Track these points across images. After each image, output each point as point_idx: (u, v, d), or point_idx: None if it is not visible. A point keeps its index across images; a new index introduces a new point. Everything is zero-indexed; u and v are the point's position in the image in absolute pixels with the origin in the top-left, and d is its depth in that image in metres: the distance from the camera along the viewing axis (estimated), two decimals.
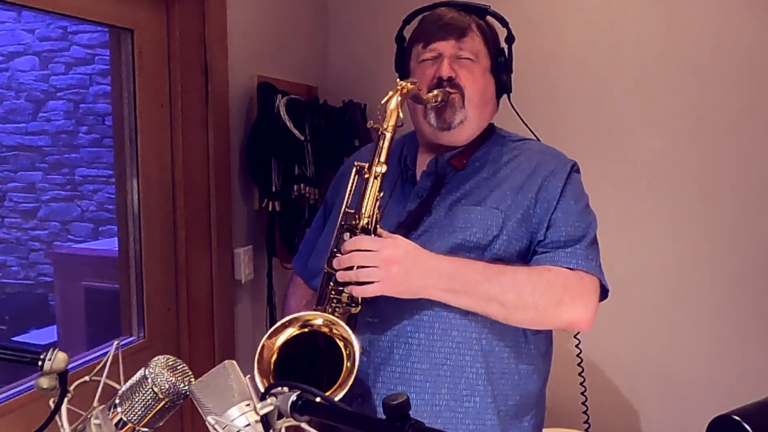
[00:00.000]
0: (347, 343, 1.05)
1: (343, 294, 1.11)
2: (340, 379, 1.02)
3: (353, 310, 1.11)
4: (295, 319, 1.08)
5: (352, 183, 1.15)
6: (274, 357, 1.04)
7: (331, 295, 1.12)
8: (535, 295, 1.13)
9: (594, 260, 1.21)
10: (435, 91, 1.20)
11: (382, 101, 1.12)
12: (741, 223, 2.12)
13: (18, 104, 4.19)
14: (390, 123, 1.11)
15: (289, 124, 1.93)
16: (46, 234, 4.25)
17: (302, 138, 1.96)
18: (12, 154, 4.21)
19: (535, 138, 1.38)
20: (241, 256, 1.93)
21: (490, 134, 1.32)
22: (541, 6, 2.28)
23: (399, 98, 1.12)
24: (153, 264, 1.70)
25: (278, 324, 1.07)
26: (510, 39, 1.32)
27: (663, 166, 2.18)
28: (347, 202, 1.14)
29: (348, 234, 1.10)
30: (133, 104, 1.64)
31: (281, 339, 1.06)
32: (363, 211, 1.10)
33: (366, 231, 1.10)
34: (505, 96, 1.35)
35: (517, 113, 1.37)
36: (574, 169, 1.28)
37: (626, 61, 2.20)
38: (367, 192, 1.11)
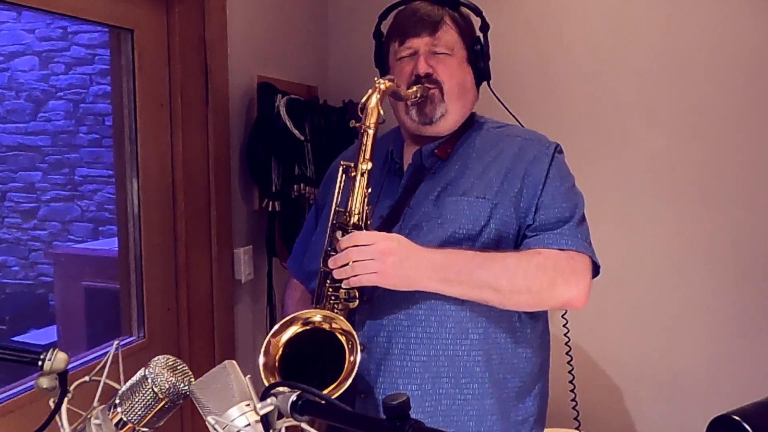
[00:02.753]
0: (349, 336, 1.07)
1: (341, 290, 1.14)
2: (343, 372, 1.04)
3: (351, 305, 1.14)
4: (296, 318, 1.10)
5: (340, 182, 1.17)
6: (279, 353, 1.07)
7: (329, 293, 1.14)
8: (527, 279, 1.15)
9: (583, 238, 1.23)
10: (414, 88, 1.23)
11: (362, 100, 1.15)
12: (740, 222, 2.12)
13: (18, 104, 4.19)
14: (371, 120, 1.14)
15: (289, 124, 1.93)
16: (46, 234, 4.25)
17: (302, 138, 1.96)
18: (12, 154, 4.21)
19: (517, 123, 1.39)
20: (241, 256, 1.93)
21: (471, 122, 1.34)
22: (541, 6, 2.28)
23: (378, 96, 1.15)
24: (153, 264, 1.70)
25: (280, 323, 1.09)
26: (484, 27, 1.33)
27: (663, 165, 2.18)
28: (337, 201, 1.16)
29: (340, 232, 1.13)
30: (133, 104, 1.64)
31: (285, 337, 1.08)
32: (353, 208, 1.13)
33: (358, 227, 1.13)
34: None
35: (498, 99, 1.38)
36: (557, 150, 1.30)
37: (626, 61, 2.20)
38: (355, 189, 1.14)
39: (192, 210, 1.77)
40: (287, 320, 1.09)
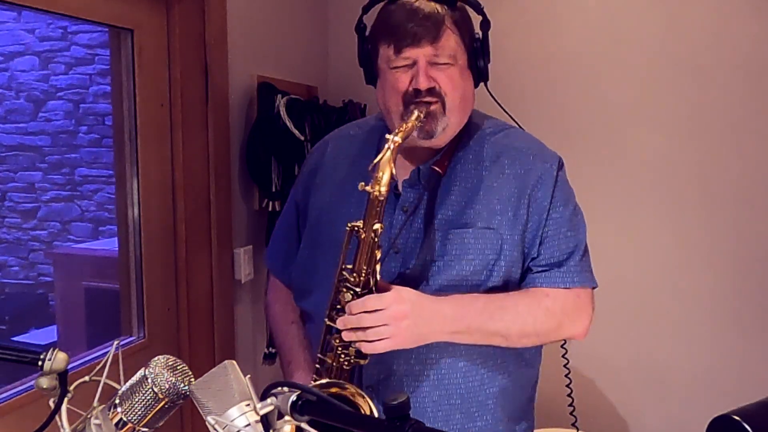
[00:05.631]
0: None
1: (351, 348, 1.10)
2: None
3: (362, 362, 1.11)
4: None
5: (346, 241, 1.10)
6: None
7: (339, 351, 1.11)
8: (536, 324, 1.16)
9: (587, 269, 1.22)
10: (415, 113, 1.12)
11: (375, 160, 1.07)
12: (740, 222, 2.12)
13: (18, 104, 4.19)
14: (384, 183, 1.06)
15: (289, 124, 1.93)
16: (46, 234, 4.25)
17: (302, 138, 1.96)
18: (12, 154, 4.21)
19: (515, 124, 1.32)
20: (241, 256, 1.93)
21: (468, 127, 1.25)
22: (541, 6, 2.28)
23: (392, 153, 1.06)
24: (153, 264, 1.70)
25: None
26: (485, 25, 1.21)
27: (662, 165, 2.19)
28: (343, 260, 1.11)
29: (349, 294, 1.08)
30: (133, 104, 1.64)
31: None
32: (361, 268, 1.08)
33: (366, 286, 1.08)
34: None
35: (496, 101, 1.30)
36: (560, 167, 1.24)
37: (626, 61, 2.20)
38: (365, 251, 1.07)
39: (192, 210, 1.77)
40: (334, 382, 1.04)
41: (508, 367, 1.22)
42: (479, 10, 1.21)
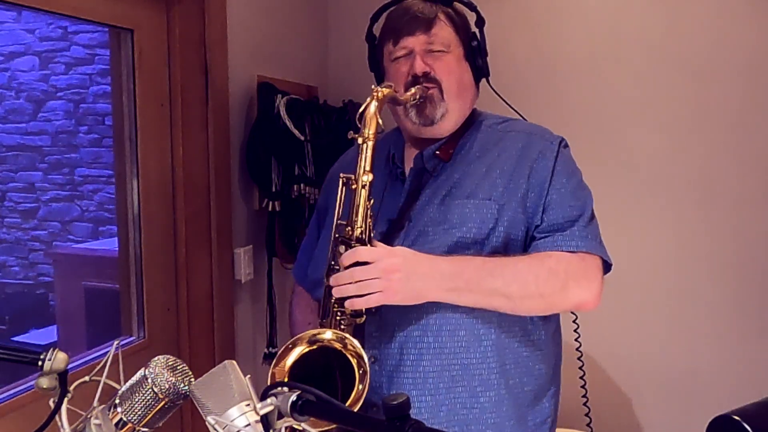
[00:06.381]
0: (360, 361, 1.02)
1: (347, 308, 1.10)
2: (351, 399, 1.00)
3: (358, 321, 1.11)
4: (301, 338, 1.05)
5: (341, 195, 1.14)
6: (286, 378, 1.03)
7: (335, 309, 1.11)
8: (539, 284, 1.12)
9: (594, 238, 1.19)
10: (412, 90, 1.19)
11: (360, 109, 1.12)
12: (741, 221, 2.12)
13: (18, 104, 4.19)
14: (371, 131, 1.10)
15: (289, 124, 1.93)
16: (46, 234, 4.25)
17: (302, 138, 1.96)
18: (12, 154, 4.21)
19: (519, 117, 1.36)
20: (241, 256, 1.93)
21: (473, 120, 1.31)
22: (542, 6, 2.28)
23: (376, 104, 1.12)
24: (153, 264, 1.70)
25: (282, 348, 1.05)
26: (480, 22, 1.28)
27: (663, 165, 2.18)
28: (338, 214, 1.13)
29: (343, 247, 1.09)
30: (133, 104, 1.64)
31: (291, 359, 1.03)
32: (355, 221, 1.10)
33: (361, 241, 1.09)
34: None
35: (498, 95, 1.35)
36: (562, 145, 1.26)
37: (627, 61, 2.20)
38: (357, 202, 1.10)
39: (192, 210, 1.77)
40: (292, 341, 1.05)
41: (513, 344, 1.20)
42: (473, 9, 1.28)
